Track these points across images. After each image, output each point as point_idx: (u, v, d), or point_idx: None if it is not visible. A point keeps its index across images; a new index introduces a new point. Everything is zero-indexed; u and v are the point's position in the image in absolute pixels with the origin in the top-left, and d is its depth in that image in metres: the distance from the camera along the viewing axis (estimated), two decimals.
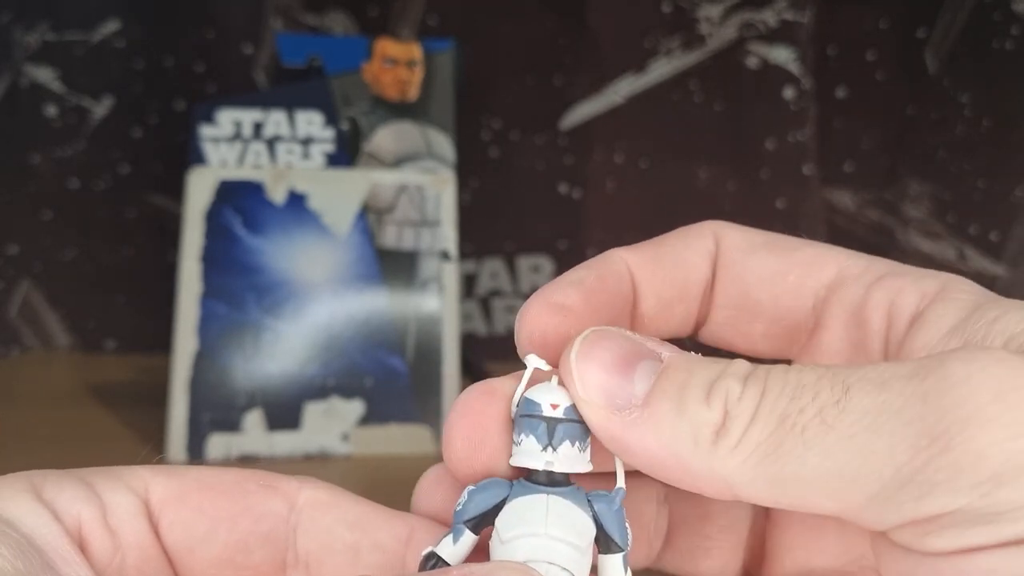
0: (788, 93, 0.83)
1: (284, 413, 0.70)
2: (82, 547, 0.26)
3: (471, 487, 0.28)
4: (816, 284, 0.31)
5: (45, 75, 0.83)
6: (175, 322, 0.70)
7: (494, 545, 0.27)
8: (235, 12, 0.83)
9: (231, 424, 0.69)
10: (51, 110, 0.83)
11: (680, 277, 0.31)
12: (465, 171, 0.78)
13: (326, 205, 0.72)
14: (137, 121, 0.84)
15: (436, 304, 0.72)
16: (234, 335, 0.70)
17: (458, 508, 0.28)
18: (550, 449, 0.27)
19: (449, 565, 0.27)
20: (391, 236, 0.72)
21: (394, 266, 0.72)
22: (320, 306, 0.71)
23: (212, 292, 0.70)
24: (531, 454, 0.27)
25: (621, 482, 0.28)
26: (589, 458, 0.28)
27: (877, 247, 0.87)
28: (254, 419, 0.69)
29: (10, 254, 0.85)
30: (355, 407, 0.70)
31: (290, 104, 0.74)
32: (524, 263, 0.86)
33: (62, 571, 0.25)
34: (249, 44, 0.83)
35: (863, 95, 0.85)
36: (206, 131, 0.73)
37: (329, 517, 0.29)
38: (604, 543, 0.27)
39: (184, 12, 0.83)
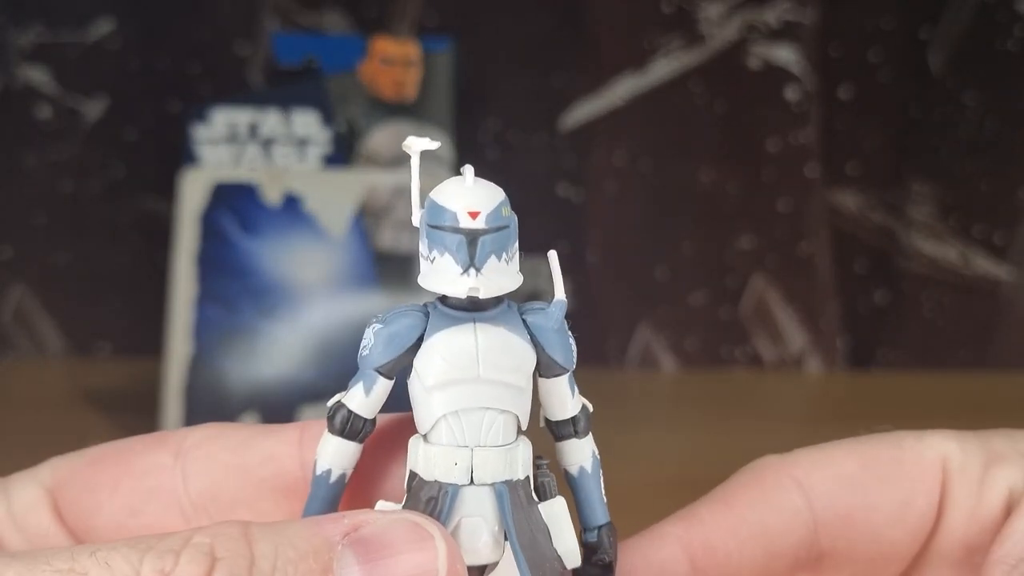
0: (790, 94, 0.83)
1: (280, 417, 0.69)
2: None
3: (376, 324, 0.23)
4: (932, 499, 0.27)
5: (38, 76, 0.82)
6: (169, 326, 0.70)
7: (416, 391, 0.23)
8: (230, 12, 0.82)
9: None
10: (44, 111, 0.83)
11: (763, 554, 0.26)
12: None
13: (322, 207, 0.71)
14: (131, 122, 0.83)
15: None
16: (229, 338, 0.70)
17: (363, 353, 0.23)
18: (473, 271, 0.22)
19: (365, 420, 0.24)
20: (388, 238, 0.72)
21: (391, 268, 0.71)
22: (316, 309, 0.71)
23: (207, 295, 0.70)
24: (448, 278, 0.22)
25: (560, 293, 0.23)
26: (517, 266, 0.23)
27: (880, 249, 0.86)
28: (249, 423, 0.69)
29: (3, 258, 0.85)
30: None
31: (286, 104, 0.74)
32: (523, 265, 0.85)
33: None
34: (244, 44, 0.83)
35: (866, 96, 0.84)
36: (201, 132, 0.73)
37: (212, 448, 0.27)
38: (546, 366, 0.23)
39: (179, 12, 0.82)
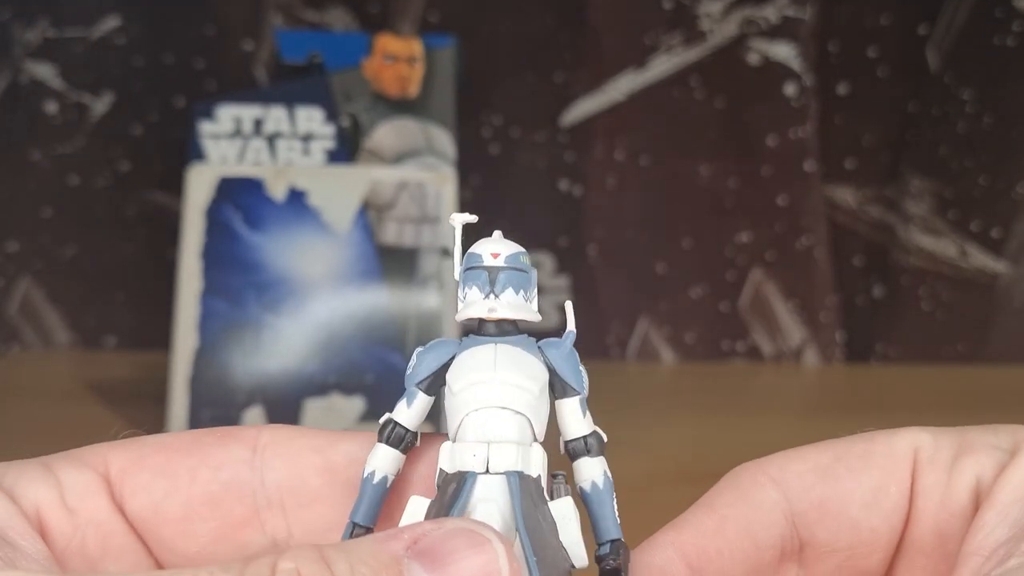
0: (789, 89, 0.83)
1: (284, 410, 0.70)
2: (42, 529, 0.26)
3: (420, 349, 0.27)
4: (903, 487, 0.28)
5: (45, 72, 0.83)
6: (175, 319, 0.70)
7: (447, 400, 0.27)
8: (235, 8, 0.83)
9: (231, 421, 0.69)
10: (51, 107, 0.83)
11: (750, 547, 0.27)
12: (466, 168, 0.78)
13: (326, 202, 0.72)
14: (137, 118, 0.84)
15: (436, 301, 0.72)
16: (234, 332, 0.70)
17: (409, 372, 0.27)
18: (492, 296, 0.27)
19: (407, 430, 0.27)
20: (391, 233, 0.72)
21: (394, 263, 0.72)
22: (320, 303, 0.71)
23: (212, 289, 0.70)
24: (473, 304, 0.27)
25: (571, 325, 0.28)
26: (536, 308, 0.27)
27: (878, 244, 0.87)
28: (254, 416, 0.69)
29: (10, 251, 0.85)
30: (355, 404, 0.70)
31: (290, 100, 0.74)
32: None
33: (20, 547, 0.25)
34: (249, 40, 0.83)
35: (864, 92, 0.85)
36: (206, 128, 0.73)
37: (295, 447, 0.28)
38: (559, 388, 0.27)
39: (184, 9, 0.83)
